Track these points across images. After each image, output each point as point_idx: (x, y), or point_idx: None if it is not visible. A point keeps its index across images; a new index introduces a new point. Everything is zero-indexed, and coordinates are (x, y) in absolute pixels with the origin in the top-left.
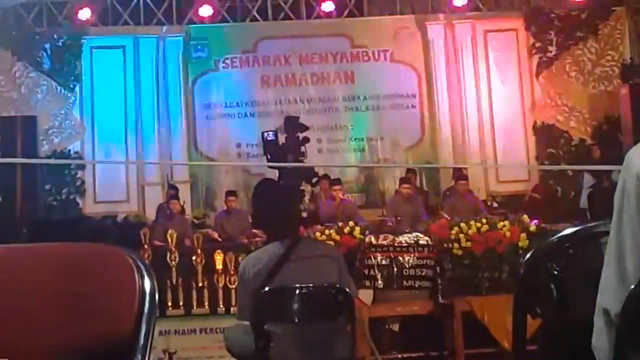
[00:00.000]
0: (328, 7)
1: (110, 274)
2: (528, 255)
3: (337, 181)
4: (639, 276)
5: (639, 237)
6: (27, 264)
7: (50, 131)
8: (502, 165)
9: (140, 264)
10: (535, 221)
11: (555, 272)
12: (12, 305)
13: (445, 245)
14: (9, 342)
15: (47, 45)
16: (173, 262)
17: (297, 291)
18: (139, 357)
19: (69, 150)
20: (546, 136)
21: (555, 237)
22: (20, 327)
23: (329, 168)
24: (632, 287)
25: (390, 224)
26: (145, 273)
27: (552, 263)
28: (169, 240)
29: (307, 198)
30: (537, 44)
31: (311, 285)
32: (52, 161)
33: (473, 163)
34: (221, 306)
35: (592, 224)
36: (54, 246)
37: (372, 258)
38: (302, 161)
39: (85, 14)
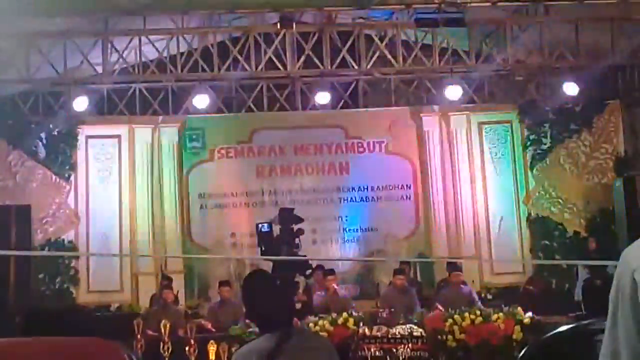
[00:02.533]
0: (323, 98)
1: None
2: (522, 352)
3: (331, 272)
4: None
5: (633, 335)
6: (24, 357)
7: (45, 220)
8: (496, 259)
9: (134, 357)
10: (530, 314)
11: None
12: None
13: (440, 337)
14: None
15: (42, 135)
16: (166, 353)
17: None
18: None
19: (63, 240)
20: (541, 228)
21: (549, 334)
22: None
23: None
24: None
25: (384, 315)
26: None
27: None
28: (163, 330)
29: (301, 288)
30: (532, 136)
31: None
32: (46, 253)
33: (468, 257)
34: None
35: (587, 321)
36: (51, 341)
37: (366, 349)
38: (296, 253)
39: (81, 103)
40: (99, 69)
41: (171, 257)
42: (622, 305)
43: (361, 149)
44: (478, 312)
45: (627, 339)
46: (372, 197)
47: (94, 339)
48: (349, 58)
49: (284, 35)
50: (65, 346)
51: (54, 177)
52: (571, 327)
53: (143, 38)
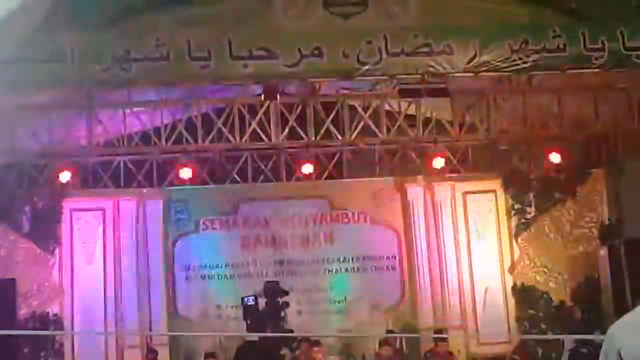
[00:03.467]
0: (307, 169)
1: None
2: None
3: (317, 343)
4: None
5: None
6: None
7: (29, 294)
8: (482, 332)
9: None
10: None
11: None
12: None
13: None
14: None
15: (27, 208)
16: None
17: None
18: None
19: (48, 313)
20: (526, 297)
21: None
22: None
23: (308, 329)
24: None
25: None
26: None
27: None
28: None
29: None
30: (516, 206)
31: None
32: (30, 332)
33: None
34: None
35: None
36: None
37: None
38: (282, 326)
39: (65, 176)
40: (84, 142)
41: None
42: None
43: (345, 220)
44: None
45: None
46: (357, 268)
47: None
48: (333, 129)
49: (268, 106)
50: None
51: (38, 250)
52: None
53: (127, 110)
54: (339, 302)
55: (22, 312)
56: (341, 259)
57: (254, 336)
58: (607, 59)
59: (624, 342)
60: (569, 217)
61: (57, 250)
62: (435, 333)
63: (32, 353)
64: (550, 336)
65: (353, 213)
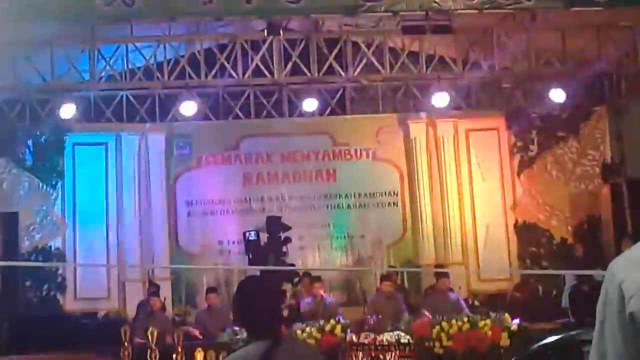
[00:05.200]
0: (310, 105)
1: None
2: None
3: (318, 279)
4: None
5: (620, 347)
6: None
7: (32, 227)
8: (483, 268)
9: None
10: (517, 320)
11: None
12: None
13: (427, 344)
14: None
15: (29, 142)
16: None
17: None
18: None
19: (50, 247)
20: (528, 235)
21: (537, 345)
22: None
23: (309, 265)
24: None
25: (372, 322)
26: None
27: None
28: (150, 337)
29: (288, 296)
30: (519, 143)
31: None
32: (32, 264)
33: (455, 264)
34: None
35: (574, 332)
36: (45, 358)
37: (354, 357)
38: (283, 261)
39: (68, 110)
40: (86, 76)
41: (159, 266)
42: (609, 318)
43: (348, 156)
44: (465, 319)
45: (615, 351)
46: (359, 204)
47: (88, 355)
48: (336, 65)
49: (271, 42)
50: None
51: (41, 184)
52: (559, 338)
53: (130, 45)
54: (340, 238)
55: (25, 245)
56: (343, 195)
57: (256, 270)
58: None
59: (625, 276)
60: (572, 155)
61: (59, 185)
62: (436, 269)
63: (35, 286)
64: (551, 271)
65: (355, 149)
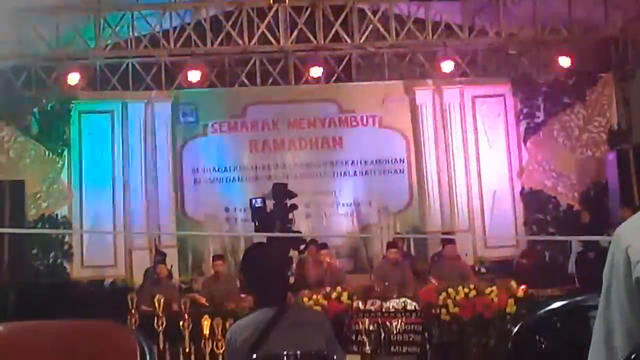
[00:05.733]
0: (316, 72)
1: (115, 357)
2: (516, 329)
3: (325, 246)
4: (627, 350)
5: (627, 313)
6: (32, 342)
7: (38, 195)
8: (489, 234)
9: (145, 347)
10: (523, 287)
11: (543, 347)
12: None
13: (433, 310)
14: None
15: (35, 110)
16: (160, 327)
17: (285, 359)
18: None
19: (57, 215)
20: (534, 202)
21: (543, 310)
22: None
23: (316, 232)
24: None
25: (378, 289)
26: (148, 358)
27: (540, 337)
28: (156, 305)
29: (294, 263)
30: (525, 110)
31: (299, 352)
32: (39, 231)
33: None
34: None
35: (580, 297)
36: (62, 324)
37: (360, 323)
38: (290, 228)
39: (74, 78)
40: (92, 44)
41: (165, 233)
42: (616, 283)
43: (354, 123)
44: (472, 286)
45: (621, 316)
46: (366, 171)
47: (107, 322)
48: (342, 32)
49: (277, 9)
50: (76, 329)
51: (47, 152)
52: (565, 303)
53: (135, 13)
54: (346, 206)
55: (31, 213)
56: (349, 162)
57: (262, 237)
58: None
59: (632, 241)
60: (578, 122)
61: (65, 153)
62: (442, 236)
63: (42, 254)
64: (557, 237)
65: (362, 116)
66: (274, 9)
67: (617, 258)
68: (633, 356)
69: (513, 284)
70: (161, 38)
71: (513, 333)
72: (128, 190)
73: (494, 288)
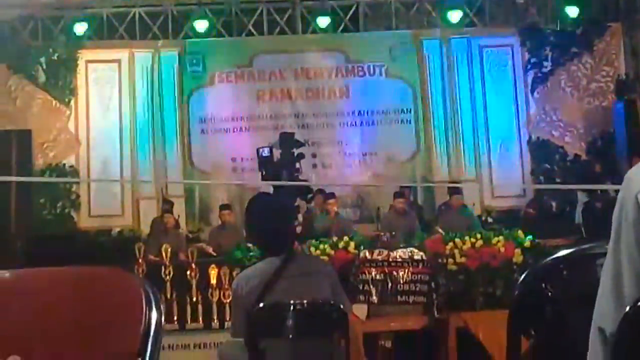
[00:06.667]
0: (323, 22)
1: (120, 303)
2: (522, 277)
3: (332, 195)
4: (635, 296)
5: (635, 257)
6: (40, 288)
7: (45, 145)
8: (496, 183)
9: (151, 294)
10: (530, 237)
11: (550, 294)
12: (20, 328)
13: (440, 260)
14: None
15: (42, 59)
16: (167, 277)
17: (291, 308)
18: None
19: (64, 164)
20: (541, 151)
21: (550, 258)
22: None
23: (323, 182)
24: (628, 307)
25: (385, 239)
26: (154, 305)
27: (547, 284)
28: (164, 254)
29: (301, 213)
30: (532, 60)
31: (305, 301)
32: (46, 179)
33: (468, 180)
34: (215, 321)
35: (588, 245)
36: (69, 270)
37: (367, 273)
38: (297, 177)
39: (81, 28)
40: None
41: (172, 182)
42: (625, 228)
43: (361, 73)
44: (479, 236)
45: (630, 263)
46: (372, 121)
47: (114, 269)
48: None
49: None
50: (82, 275)
51: (54, 101)
52: (572, 251)
53: None
54: (353, 155)
55: (38, 162)
56: (356, 112)
57: (269, 187)
58: None
59: None
60: (586, 72)
61: (72, 102)
62: (449, 185)
63: (49, 203)
64: (564, 186)
65: (369, 66)
66: None
67: (627, 203)
68: None
69: (520, 233)
70: None
71: (519, 282)
72: (135, 140)
73: (501, 238)
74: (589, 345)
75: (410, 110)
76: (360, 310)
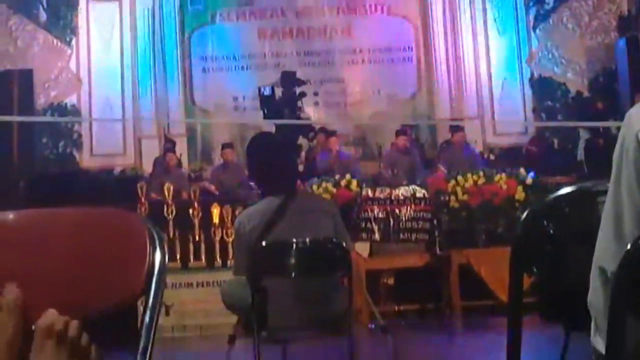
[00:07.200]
0: None
1: (124, 243)
2: (524, 215)
3: (334, 134)
4: (636, 234)
5: (636, 195)
6: (41, 229)
7: (47, 84)
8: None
9: (155, 234)
10: (532, 174)
11: (552, 232)
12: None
13: (442, 198)
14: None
15: None
16: (170, 216)
17: (294, 246)
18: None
19: (66, 104)
20: (543, 88)
21: (551, 196)
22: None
23: (325, 121)
24: (629, 245)
25: (387, 176)
26: (158, 246)
27: (548, 222)
28: (166, 193)
29: (303, 151)
30: None
31: (308, 239)
32: (48, 119)
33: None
34: (218, 259)
35: (589, 182)
36: (70, 212)
37: (369, 211)
38: (298, 115)
39: None
40: None
41: (174, 120)
42: (626, 166)
43: (363, 11)
44: (481, 173)
45: (631, 201)
46: (374, 59)
47: (116, 210)
48: None
49: None
50: (85, 216)
51: (55, 41)
52: (573, 189)
53: None
54: (355, 94)
55: (40, 102)
56: (358, 51)
57: (271, 125)
58: None
59: None
60: (588, 8)
61: (74, 41)
62: (451, 123)
63: (51, 143)
64: (566, 123)
65: (370, 4)
66: None
67: (628, 141)
68: None
69: (522, 171)
70: None
71: (521, 219)
72: (136, 79)
73: (503, 175)
74: (590, 284)
75: (412, 48)
76: (362, 248)
